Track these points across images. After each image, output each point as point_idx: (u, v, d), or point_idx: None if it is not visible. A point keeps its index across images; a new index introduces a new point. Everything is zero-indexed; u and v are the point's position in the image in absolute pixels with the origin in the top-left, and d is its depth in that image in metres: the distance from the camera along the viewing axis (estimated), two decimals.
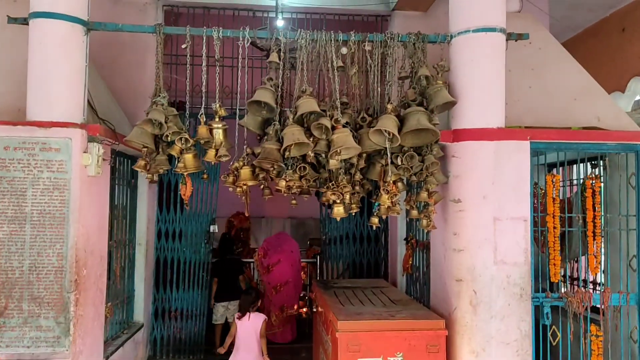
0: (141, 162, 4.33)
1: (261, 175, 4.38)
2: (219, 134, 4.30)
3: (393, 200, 4.25)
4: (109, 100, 5.45)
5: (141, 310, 6.09)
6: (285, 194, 4.43)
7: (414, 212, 4.49)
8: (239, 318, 5.15)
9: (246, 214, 4.53)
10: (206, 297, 6.61)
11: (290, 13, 6.75)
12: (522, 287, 4.30)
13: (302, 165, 4.26)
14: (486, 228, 4.29)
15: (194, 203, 6.54)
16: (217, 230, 6.59)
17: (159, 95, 4.26)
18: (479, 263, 4.29)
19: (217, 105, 4.32)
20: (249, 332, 5.10)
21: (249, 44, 4.51)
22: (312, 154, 4.27)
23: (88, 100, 4.43)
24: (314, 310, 5.57)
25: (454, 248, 4.41)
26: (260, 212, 11.94)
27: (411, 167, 4.31)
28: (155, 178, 6.37)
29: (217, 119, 4.33)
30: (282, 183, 4.23)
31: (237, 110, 4.50)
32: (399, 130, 4.20)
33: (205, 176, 4.59)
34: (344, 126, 4.24)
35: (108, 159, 4.49)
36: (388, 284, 6.18)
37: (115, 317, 5.32)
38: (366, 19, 6.84)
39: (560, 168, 5.51)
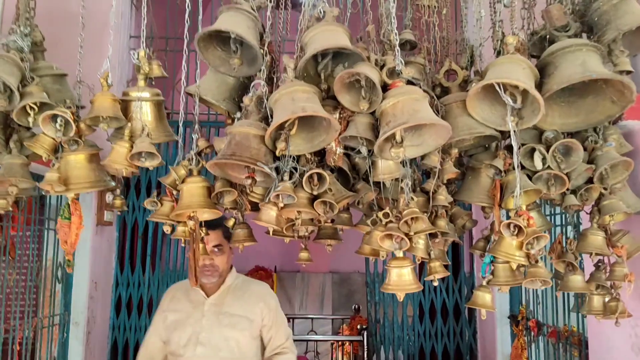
0: None
1: (227, 198, 1.99)
2: (141, 110, 2.01)
3: (532, 251, 1.77)
4: None
5: None
6: (287, 239, 2.06)
7: (577, 279, 1.96)
8: None
9: (192, 285, 2.08)
10: None
11: None
12: None
13: (316, 172, 1.86)
14: None
15: (171, 255, 4.29)
16: None
17: (15, 31, 2.04)
18: None
19: (142, 52, 2.05)
20: None
21: None
22: (339, 149, 1.87)
23: None
24: None
25: None
26: (294, 266, 9.48)
27: (567, 176, 1.87)
28: (110, 217, 4.13)
29: (141, 82, 2.06)
30: (269, 213, 1.84)
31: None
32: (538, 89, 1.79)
33: (118, 202, 2.19)
34: (408, 82, 1.86)
35: None
36: None
37: None
38: None
39: None
